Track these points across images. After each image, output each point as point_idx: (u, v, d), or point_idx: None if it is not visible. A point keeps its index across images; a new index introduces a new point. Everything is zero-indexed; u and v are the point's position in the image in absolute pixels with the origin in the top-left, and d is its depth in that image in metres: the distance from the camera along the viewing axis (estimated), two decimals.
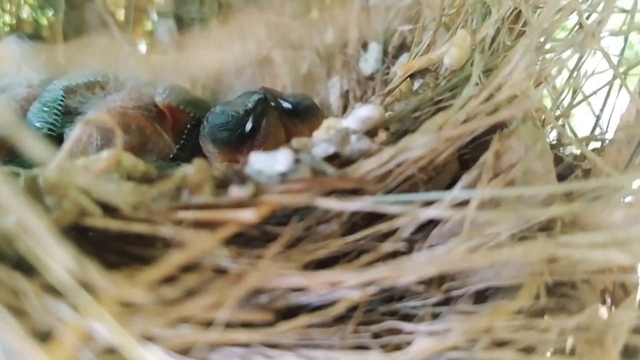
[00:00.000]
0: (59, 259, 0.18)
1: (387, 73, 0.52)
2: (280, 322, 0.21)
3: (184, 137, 0.43)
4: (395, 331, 0.23)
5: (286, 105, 0.42)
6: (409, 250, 0.24)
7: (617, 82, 0.34)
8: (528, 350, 0.22)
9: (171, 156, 0.41)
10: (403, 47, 0.52)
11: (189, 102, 0.43)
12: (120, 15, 0.67)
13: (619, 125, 0.33)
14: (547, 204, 0.23)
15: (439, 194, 0.23)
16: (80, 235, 0.21)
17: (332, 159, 0.24)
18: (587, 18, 0.31)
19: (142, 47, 0.68)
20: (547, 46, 0.30)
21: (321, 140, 0.25)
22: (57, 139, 0.39)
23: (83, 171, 0.22)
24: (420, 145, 0.24)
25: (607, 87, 0.35)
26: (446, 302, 0.24)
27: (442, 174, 0.26)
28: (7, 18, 0.63)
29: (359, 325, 0.23)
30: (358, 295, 0.22)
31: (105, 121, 0.33)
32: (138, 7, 0.66)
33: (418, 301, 0.24)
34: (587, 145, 0.34)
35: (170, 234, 0.21)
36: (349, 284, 0.22)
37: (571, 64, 0.36)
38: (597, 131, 0.35)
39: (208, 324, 0.20)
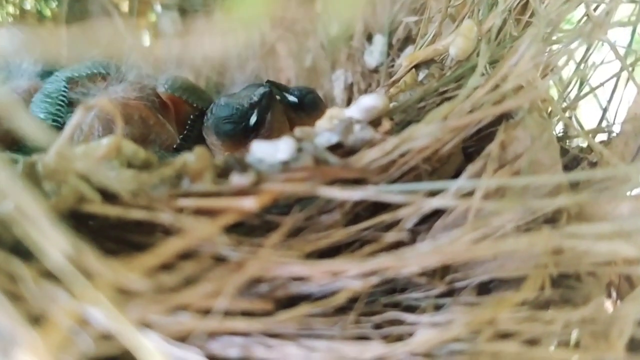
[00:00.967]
0: (56, 244, 0.18)
1: (392, 66, 0.52)
2: (281, 311, 0.21)
3: (187, 128, 0.42)
4: (397, 322, 0.22)
5: (292, 98, 0.42)
6: (412, 241, 0.23)
7: (625, 73, 0.34)
8: (532, 342, 0.21)
9: (174, 147, 0.41)
10: (408, 40, 0.52)
11: (192, 92, 0.43)
12: (124, 6, 0.66)
13: (626, 117, 0.32)
14: (552, 195, 0.23)
15: (443, 184, 0.22)
16: (80, 223, 0.21)
17: (335, 148, 0.24)
18: (595, 9, 0.31)
19: (146, 39, 0.67)
20: (554, 37, 0.30)
21: (324, 130, 0.25)
22: (60, 130, 0.39)
23: (83, 158, 0.22)
24: (424, 135, 0.23)
25: (615, 78, 0.35)
26: (449, 293, 0.23)
27: (446, 166, 0.26)
28: (11, 9, 0.62)
29: (361, 315, 0.22)
30: (359, 285, 0.21)
31: (106, 107, 0.33)
32: None
33: (421, 293, 0.23)
34: (594, 137, 0.33)
35: (170, 221, 0.20)
36: (350, 274, 0.21)
37: (578, 55, 0.36)
38: (604, 123, 0.35)
39: (207, 312, 0.20)
